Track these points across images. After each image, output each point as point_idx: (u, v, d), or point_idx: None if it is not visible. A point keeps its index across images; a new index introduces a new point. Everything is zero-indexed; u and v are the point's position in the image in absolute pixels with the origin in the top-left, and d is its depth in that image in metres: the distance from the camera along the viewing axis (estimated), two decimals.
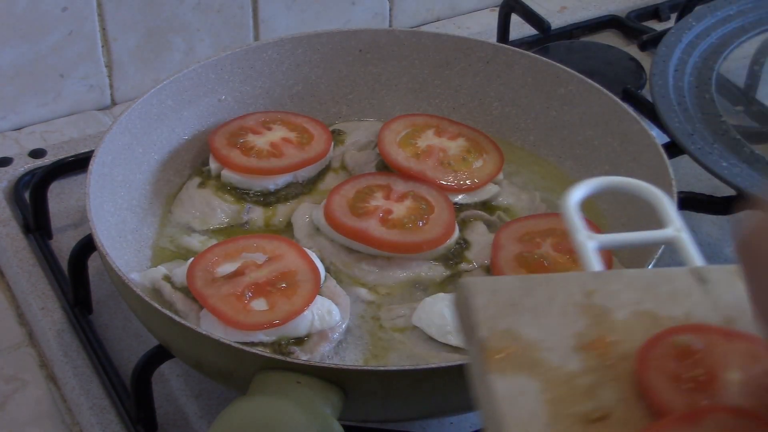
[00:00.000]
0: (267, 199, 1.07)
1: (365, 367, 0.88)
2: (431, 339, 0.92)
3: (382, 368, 0.85)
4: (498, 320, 0.62)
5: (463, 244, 1.02)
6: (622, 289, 0.65)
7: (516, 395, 0.59)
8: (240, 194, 1.07)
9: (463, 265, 1.01)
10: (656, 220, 0.96)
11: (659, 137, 1.06)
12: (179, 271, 0.95)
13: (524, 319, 0.63)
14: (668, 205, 0.75)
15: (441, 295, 0.96)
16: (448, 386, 0.82)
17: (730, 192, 1.08)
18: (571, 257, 0.96)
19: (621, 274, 0.67)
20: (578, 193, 0.75)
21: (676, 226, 0.73)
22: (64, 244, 1.10)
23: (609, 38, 1.44)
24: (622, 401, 0.60)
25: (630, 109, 1.07)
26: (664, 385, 0.60)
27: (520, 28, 1.38)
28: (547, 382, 0.60)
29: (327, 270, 0.99)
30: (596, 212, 1.07)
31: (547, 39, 1.38)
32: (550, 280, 0.66)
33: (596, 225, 1.01)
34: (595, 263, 0.70)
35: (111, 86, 1.32)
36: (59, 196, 1.16)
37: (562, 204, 0.74)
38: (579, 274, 0.67)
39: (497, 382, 0.60)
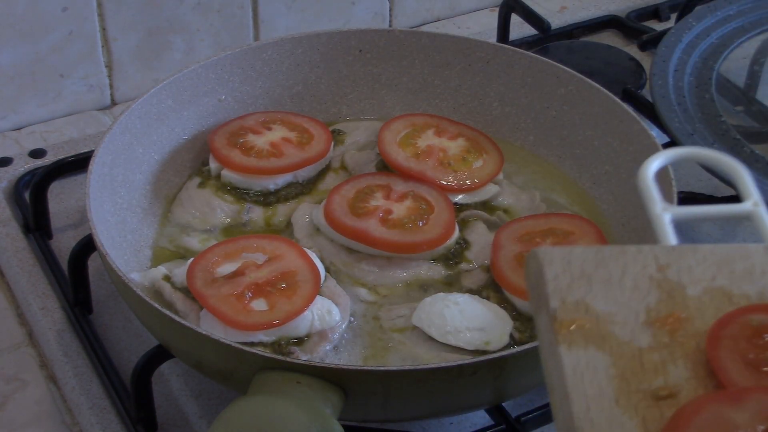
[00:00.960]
0: (267, 199, 1.07)
1: (365, 367, 0.88)
2: (431, 339, 0.92)
3: (382, 368, 0.85)
4: (570, 291, 0.62)
5: (463, 244, 1.02)
6: (696, 265, 0.64)
7: (584, 369, 0.59)
8: (240, 194, 1.07)
9: (463, 265, 1.01)
10: None
11: (659, 137, 1.06)
12: (179, 271, 0.95)
13: (596, 292, 0.62)
14: (747, 178, 0.73)
15: (441, 295, 0.96)
16: (448, 386, 0.82)
17: (730, 192, 1.08)
18: None
19: (696, 249, 0.66)
20: (656, 163, 0.73)
21: (754, 200, 0.71)
22: (64, 244, 1.10)
23: (609, 38, 1.44)
24: (691, 379, 0.59)
25: (630, 109, 1.07)
26: (736, 365, 0.59)
27: (520, 28, 1.38)
28: (616, 357, 0.60)
29: (327, 270, 0.99)
30: (596, 212, 1.07)
31: (547, 39, 1.38)
32: (623, 252, 0.65)
33: (596, 225, 1.01)
34: (670, 236, 0.68)
35: (111, 86, 1.32)
36: (59, 196, 1.16)
37: (639, 174, 0.72)
38: (653, 247, 0.65)
39: (566, 354, 0.59)
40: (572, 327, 0.61)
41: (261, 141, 1.09)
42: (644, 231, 0.99)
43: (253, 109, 1.14)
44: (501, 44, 1.21)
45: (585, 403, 0.58)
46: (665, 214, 0.70)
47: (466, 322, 0.92)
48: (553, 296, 0.62)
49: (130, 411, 0.93)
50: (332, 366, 0.81)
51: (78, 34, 1.26)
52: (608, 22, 1.47)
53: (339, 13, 1.42)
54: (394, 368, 0.84)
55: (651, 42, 1.38)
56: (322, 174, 1.11)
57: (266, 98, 1.15)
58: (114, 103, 1.34)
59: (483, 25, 1.48)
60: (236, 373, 0.84)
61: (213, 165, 1.08)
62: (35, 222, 1.11)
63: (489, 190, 1.08)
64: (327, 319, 0.92)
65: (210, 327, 0.90)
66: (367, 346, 0.94)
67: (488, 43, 1.16)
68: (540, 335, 0.62)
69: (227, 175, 1.07)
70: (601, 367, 0.59)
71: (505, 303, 0.96)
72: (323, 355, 0.91)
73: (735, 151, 1.10)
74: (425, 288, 0.99)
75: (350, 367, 0.83)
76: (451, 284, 0.99)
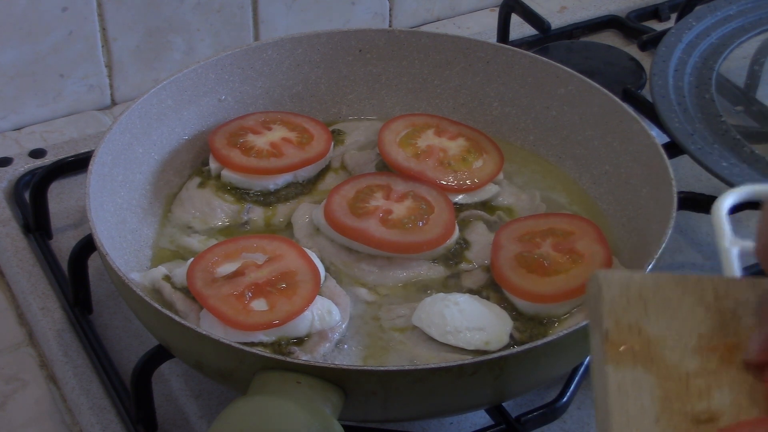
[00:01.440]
0: (267, 199, 1.07)
1: (365, 367, 0.88)
2: (431, 339, 0.92)
3: (382, 368, 0.85)
4: (625, 314, 0.64)
5: (463, 244, 1.02)
6: (754, 298, 0.66)
7: (629, 388, 0.61)
8: (240, 194, 1.07)
9: (463, 265, 1.01)
10: (656, 220, 0.96)
11: (659, 137, 1.06)
12: (179, 271, 0.95)
13: (651, 316, 0.64)
14: None
15: (441, 295, 0.96)
16: (448, 386, 0.82)
17: None
18: (571, 257, 0.96)
19: (756, 283, 0.67)
20: (729, 199, 0.75)
21: None
22: (64, 244, 1.10)
23: (609, 38, 1.44)
24: (734, 406, 0.61)
25: (630, 109, 1.07)
26: None
27: (520, 28, 1.38)
28: (663, 379, 0.61)
29: (327, 270, 0.99)
30: (596, 212, 1.07)
31: (547, 39, 1.38)
32: (683, 280, 0.66)
33: (596, 225, 1.01)
34: (736, 270, 0.70)
35: (111, 86, 1.32)
36: (59, 196, 1.16)
37: (713, 208, 0.74)
38: (714, 278, 0.67)
39: (613, 373, 0.61)
40: (623, 348, 0.62)
41: (261, 141, 1.09)
42: (644, 231, 1.00)
43: (253, 109, 1.14)
44: (501, 44, 1.21)
45: (626, 420, 0.60)
46: (733, 248, 0.71)
47: (466, 322, 0.92)
48: (608, 317, 0.64)
49: (130, 411, 0.93)
50: (332, 366, 0.81)
51: (78, 34, 1.26)
52: (608, 22, 1.47)
53: (339, 13, 1.42)
54: (394, 368, 0.84)
55: (651, 42, 1.38)
56: (322, 174, 1.11)
57: (266, 98, 1.15)
58: (114, 103, 1.34)
59: (483, 25, 1.48)
60: (236, 373, 0.84)
61: (213, 165, 1.08)
62: (35, 222, 1.11)
63: (489, 190, 1.08)
64: (327, 319, 0.92)
65: (210, 327, 0.90)
66: (367, 346, 0.94)
67: (488, 43, 1.16)
68: (592, 353, 0.64)
69: (227, 175, 1.07)
70: (646, 388, 0.61)
71: (505, 303, 0.96)
72: (323, 355, 0.91)
73: (735, 151, 1.10)
74: (425, 288, 0.99)
75: (350, 367, 0.83)
76: (451, 284, 0.99)
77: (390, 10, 1.46)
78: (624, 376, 0.61)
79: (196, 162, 1.11)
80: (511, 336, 0.92)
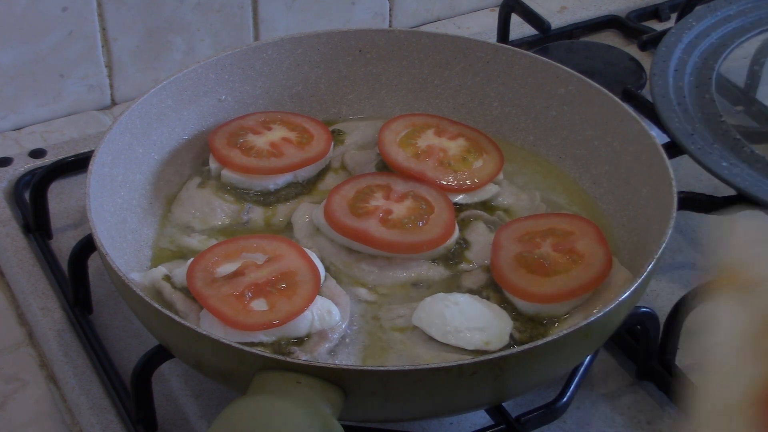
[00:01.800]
0: (267, 199, 1.07)
1: (365, 367, 0.88)
2: (431, 339, 0.92)
3: (382, 368, 0.85)
4: (746, 251, 0.66)
5: (463, 244, 1.02)
6: None
7: (724, 317, 0.63)
8: (240, 194, 1.07)
9: (463, 265, 1.01)
10: (656, 220, 0.96)
11: (659, 137, 1.06)
12: (179, 271, 0.95)
13: None
14: None
15: (441, 295, 0.96)
16: (448, 386, 0.82)
17: (730, 192, 1.08)
18: (571, 257, 0.96)
19: None
20: None
21: None
22: (64, 244, 1.11)
23: (609, 38, 1.44)
24: None
25: (630, 109, 1.07)
26: None
27: (520, 28, 1.39)
28: (760, 315, 0.63)
29: (327, 270, 0.99)
30: (596, 212, 1.07)
31: (547, 39, 1.38)
32: None
33: (596, 225, 1.01)
34: None
35: (111, 86, 1.32)
36: (59, 196, 1.16)
37: None
38: None
39: (716, 300, 0.64)
40: (735, 279, 0.64)
41: (261, 141, 1.09)
42: (644, 231, 1.00)
43: (253, 109, 1.14)
44: (501, 44, 1.21)
45: (711, 343, 0.62)
46: None
47: (466, 322, 0.92)
48: (729, 251, 0.66)
49: (130, 411, 0.93)
50: (332, 366, 0.81)
51: (78, 34, 1.26)
52: (608, 22, 1.47)
53: (339, 13, 1.42)
54: (394, 368, 0.84)
55: (651, 42, 1.38)
56: (322, 174, 1.11)
57: (266, 98, 1.15)
58: (114, 103, 1.34)
59: (483, 25, 1.48)
60: (236, 373, 0.84)
61: (213, 165, 1.08)
62: (35, 222, 1.11)
63: (489, 190, 1.08)
64: (327, 319, 0.92)
65: (210, 327, 0.90)
66: (367, 346, 0.94)
67: (488, 43, 1.16)
68: (705, 283, 0.66)
69: (227, 175, 1.07)
70: (742, 319, 0.63)
71: (505, 303, 0.96)
72: (323, 355, 0.91)
73: (735, 151, 1.11)
74: (425, 288, 0.99)
75: (350, 367, 0.83)
76: (451, 284, 0.99)
77: (390, 10, 1.46)
78: (722, 306, 0.63)
79: (196, 162, 1.11)
80: (511, 336, 0.92)
